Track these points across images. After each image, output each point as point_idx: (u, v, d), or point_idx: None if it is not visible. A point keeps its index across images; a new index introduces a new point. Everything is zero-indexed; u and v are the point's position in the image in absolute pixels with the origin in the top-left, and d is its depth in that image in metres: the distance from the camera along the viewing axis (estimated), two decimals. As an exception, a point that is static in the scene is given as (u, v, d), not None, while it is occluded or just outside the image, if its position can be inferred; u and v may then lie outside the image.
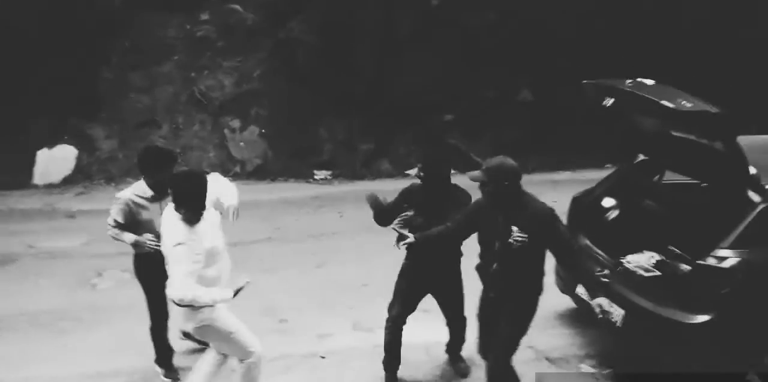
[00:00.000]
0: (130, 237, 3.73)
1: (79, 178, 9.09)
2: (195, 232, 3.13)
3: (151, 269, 3.66)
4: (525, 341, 4.51)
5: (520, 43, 10.08)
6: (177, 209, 3.13)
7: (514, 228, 3.14)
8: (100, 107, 9.70)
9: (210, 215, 3.29)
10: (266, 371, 4.12)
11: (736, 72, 9.27)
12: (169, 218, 3.17)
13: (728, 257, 3.32)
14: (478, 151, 9.97)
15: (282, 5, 10.40)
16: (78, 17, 9.40)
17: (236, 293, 3.24)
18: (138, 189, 3.74)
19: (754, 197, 3.41)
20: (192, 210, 3.11)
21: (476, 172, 3.19)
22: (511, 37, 10.04)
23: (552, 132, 9.95)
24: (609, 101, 3.59)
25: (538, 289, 3.35)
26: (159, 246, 3.33)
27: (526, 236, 3.12)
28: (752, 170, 3.43)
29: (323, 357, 4.27)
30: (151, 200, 3.72)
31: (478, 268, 3.53)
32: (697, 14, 10.50)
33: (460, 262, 3.79)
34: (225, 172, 9.52)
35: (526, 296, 3.34)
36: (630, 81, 3.58)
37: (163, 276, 3.67)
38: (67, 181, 9.00)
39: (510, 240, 3.14)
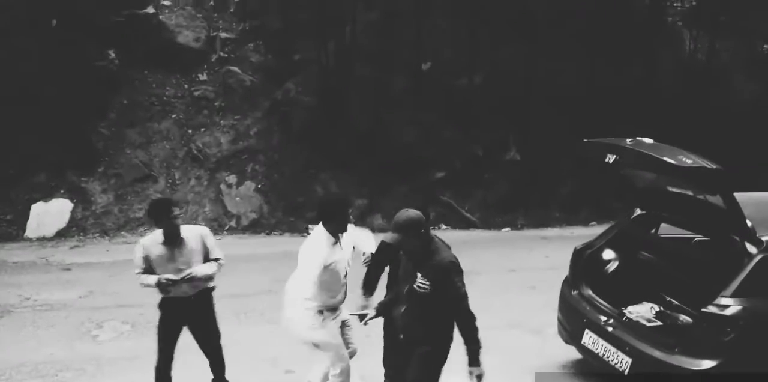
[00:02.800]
0: (152, 279, 3.95)
1: (74, 231, 9.08)
2: (335, 248, 3.68)
3: (174, 313, 4.02)
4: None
5: (507, 106, 10.63)
6: (324, 224, 3.71)
7: (419, 274, 3.26)
8: (97, 162, 9.84)
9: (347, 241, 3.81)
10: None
11: (709, 134, 9.83)
12: (315, 234, 3.75)
13: (730, 305, 3.50)
14: (470, 208, 10.27)
15: (279, 67, 10.89)
16: (77, 73, 9.71)
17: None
18: (153, 236, 4.05)
19: (751, 248, 3.64)
20: (336, 224, 3.68)
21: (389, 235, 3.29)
22: (498, 100, 10.59)
23: (539, 191, 10.33)
24: (612, 158, 3.86)
25: (448, 336, 3.35)
26: (173, 281, 3.88)
27: (428, 284, 3.22)
28: (749, 224, 3.68)
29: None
30: (164, 244, 3.99)
31: (379, 305, 3.66)
32: (672, 83, 11.29)
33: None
34: (220, 227, 9.63)
35: (435, 342, 3.34)
36: (630, 139, 3.88)
37: (183, 321, 4.08)
38: (61, 235, 8.98)
39: (414, 285, 3.28)
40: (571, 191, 10.41)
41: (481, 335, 3.27)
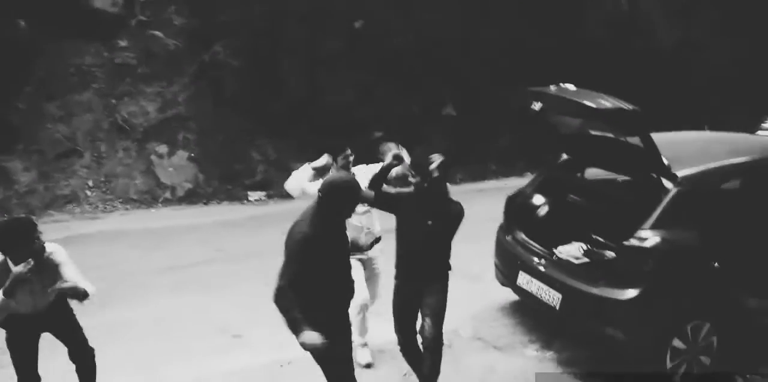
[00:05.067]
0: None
1: (-3, 212, 8.63)
2: None
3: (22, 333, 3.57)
4: (472, 332, 4.81)
5: (440, 64, 10.63)
6: None
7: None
8: (16, 139, 9.29)
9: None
10: (229, 381, 4.16)
11: (633, 79, 10.17)
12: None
13: (649, 237, 3.71)
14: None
15: (204, 30, 10.43)
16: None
17: None
18: None
19: (667, 183, 3.84)
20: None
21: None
22: (432, 59, 10.57)
23: (475, 145, 10.49)
24: (537, 105, 3.95)
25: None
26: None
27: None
28: (665, 161, 3.87)
29: (282, 366, 4.32)
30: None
31: None
32: (597, 34, 11.55)
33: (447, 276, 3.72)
34: (154, 199, 9.36)
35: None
36: (554, 86, 3.97)
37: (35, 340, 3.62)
38: (-17, 217, 8.53)
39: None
40: (507, 144, 10.63)
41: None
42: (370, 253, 4.20)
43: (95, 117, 9.81)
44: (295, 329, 2.96)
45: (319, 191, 3.09)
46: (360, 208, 3.79)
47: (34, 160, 9.25)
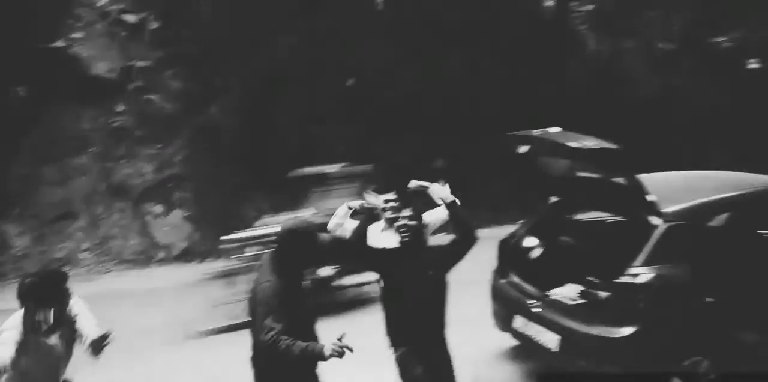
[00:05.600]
0: None
1: (-9, 277, 8.60)
2: None
3: None
4: (472, 379, 4.72)
5: (429, 115, 10.92)
6: None
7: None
8: (13, 204, 9.38)
9: None
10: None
11: (616, 124, 10.42)
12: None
13: (641, 274, 3.73)
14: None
15: (198, 92, 10.76)
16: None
17: None
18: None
19: (655, 220, 3.90)
20: None
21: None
22: (420, 109, 10.87)
23: (467, 195, 10.59)
24: (524, 148, 4.07)
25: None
26: None
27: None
28: (651, 198, 3.94)
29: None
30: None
31: None
32: (580, 84, 11.95)
33: None
34: (149, 259, 9.35)
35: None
36: (539, 130, 4.11)
37: None
38: (-22, 282, 8.49)
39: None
40: (498, 192, 10.77)
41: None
42: None
43: (91, 180, 9.96)
44: (312, 352, 2.84)
45: (276, 236, 3.02)
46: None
47: (30, 225, 9.31)
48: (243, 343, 4.87)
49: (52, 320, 3.12)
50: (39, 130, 10.06)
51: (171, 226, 9.65)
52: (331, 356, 2.82)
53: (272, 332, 2.86)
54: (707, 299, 3.85)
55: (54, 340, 3.23)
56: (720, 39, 11.96)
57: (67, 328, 3.28)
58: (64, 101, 10.31)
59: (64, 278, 3.24)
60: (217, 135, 10.35)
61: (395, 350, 3.36)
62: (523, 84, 11.32)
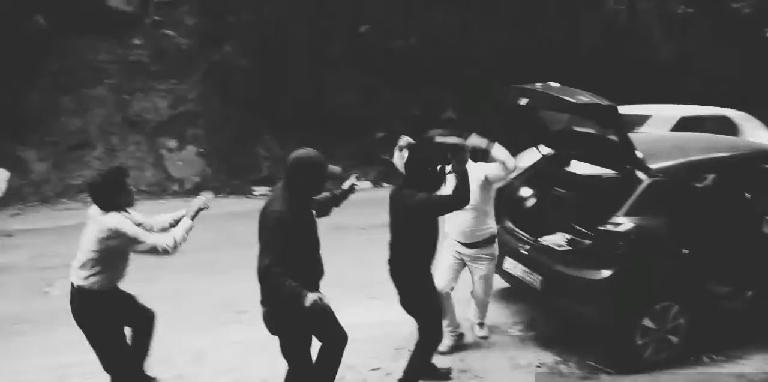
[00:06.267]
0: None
1: (13, 200, 8.99)
2: None
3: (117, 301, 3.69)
4: (462, 315, 5.15)
5: (441, 67, 11.02)
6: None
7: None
8: (32, 130, 9.68)
9: None
10: (232, 353, 4.50)
11: (627, 86, 10.53)
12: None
13: (623, 223, 4.06)
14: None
15: (215, 30, 10.84)
16: (3, 39, 9.43)
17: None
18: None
19: (641, 175, 4.20)
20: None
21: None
22: (433, 60, 10.96)
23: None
24: (524, 101, 4.32)
25: None
26: None
27: None
28: (639, 155, 4.23)
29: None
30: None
31: None
32: (595, 42, 11.94)
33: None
34: (163, 191, 9.73)
35: None
36: (540, 84, 4.34)
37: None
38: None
39: None
40: (503, 143, 11.00)
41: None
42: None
43: (108, 111, 10.20)
44: (297, 296, 3.00)
45: (285, 166, 3.20)
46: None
47: (49, 151, 9.62)
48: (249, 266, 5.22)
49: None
50: (57, 59, 10.22)
51: (184, 161, 9.96)
52: (310, 308, 3.00)
53: (267, 261, 3.05)
54: (683, 251, 4.19)
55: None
56: (738, 4, 11.84)
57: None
58: (82, 32, 10.42)
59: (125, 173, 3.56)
60: (230, 74, 10.50)
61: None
62: (536, 38, 11.33)
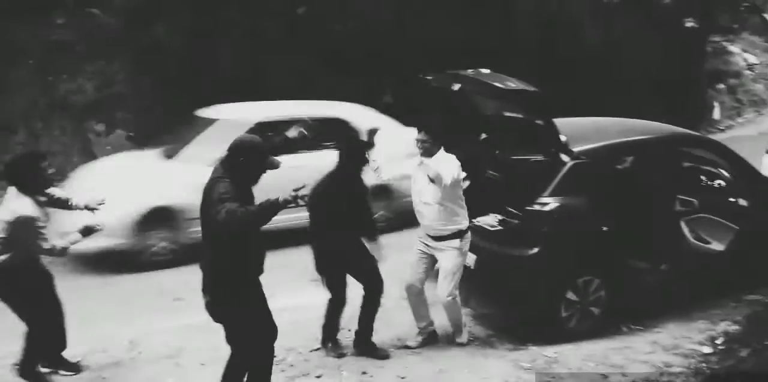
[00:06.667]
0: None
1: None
2: None
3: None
4: (400, 294, 5.28)
5: (379, 50, 11.06)
6: None
7: None
8: (-54, 114, 9.12)
9: None
10: (169, 339, 4.48)
11: (558, 74, 10.92)
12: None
13: (548, 203, 4.30)
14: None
15: (144, 10, 10.44)
16: None
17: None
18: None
19: (565, 158, 4.44)
20: None
21: None
22: (371, 45, 10.98)
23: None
24: (456, 86, 4.46)
25: None
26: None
27: None
28: (563, 138, 4.46)
29: (222, 323, 4.66)
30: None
31: None
32: (526, 33, 12.27)
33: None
34: (93, 177, 9.40)
35: None
36: (471, 70, 4.49)
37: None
38: None
39: None
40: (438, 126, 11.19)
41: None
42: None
43: (31, 94, 9.71)
44: (269, 205, 2.88)
45: (228, 150, 3.18)
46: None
47: (-33, 136, 9.11)
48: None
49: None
50: (-30, 39, 9.62)
51: (113, 145, 9.63)
52: (286, 201, 2.90)
53: (224, 209, 2.89)
54: (603, 228, 4.47)
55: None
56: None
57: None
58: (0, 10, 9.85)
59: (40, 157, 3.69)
60: (162, 56, 10.18)
61: None
62: (469, 25, 11.53)
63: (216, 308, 3.30)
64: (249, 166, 3.15)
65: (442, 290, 4.27)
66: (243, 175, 3.15)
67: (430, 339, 4.51)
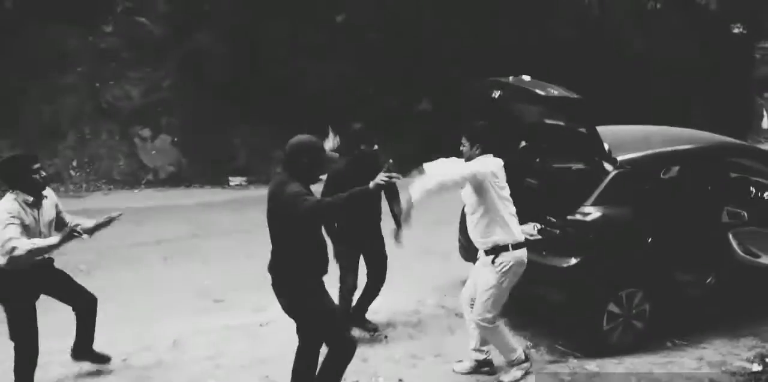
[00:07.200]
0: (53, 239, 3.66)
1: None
2: None
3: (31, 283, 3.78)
4: (437, 301, 5.27)
5: (417, 57, 11.08)
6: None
7: None
8: (1, 118, 9.49)
9: None
10: (210, 340, 4.56)
11: (596, 78, 10.76)
12: None
13: (591, 213, 4.23)
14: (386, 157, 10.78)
15: (188, 17, 10.71)
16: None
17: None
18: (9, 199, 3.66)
19: (608, 166, 4.36)
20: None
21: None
22: (409, 52, 11.01)
23: (449, 138, 10.94)
24: (497, 93, 4.44)
25: None
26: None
27: None
28: (606, 147, 4.39)
29: (262, 325, 4.74)
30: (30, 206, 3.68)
31: None
32: (569, 36, 12.12)
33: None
34: (137, 181, 9.66)
35: None
36: (512, 77, 4.46)
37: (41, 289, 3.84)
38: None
39: None
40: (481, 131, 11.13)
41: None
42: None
43: (79, 99, 10.06)
44: (359, 192, 3.04)
45: (285, 152, 3.24)
46: None
47: (19, 140, 9.46)
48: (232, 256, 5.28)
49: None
50: (25, 45, 10.01)
51: (158, 150, 9.90)
52: (378, 185, 3.04)
53: (308, 201, 3.04)
54: (647, 239, 4.37)
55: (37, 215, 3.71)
56: (705, 1, 12.15)
57: (47, 215, 3.78)
58: (51, 17, 10.22)
59: (31, 159, 3.68)
60: (204, 62, 10.40)
61: None
62: (509, 29, 11.45)
63: (294, 307, 3.34)
64: (311, 165, 3.21)
65: (473, 310, 3.96)
66: (306, 174, 3.22)
67: (481, 367, 4.09)
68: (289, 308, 3.35)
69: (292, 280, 3.31)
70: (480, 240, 3.90)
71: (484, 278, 3.86)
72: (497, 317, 3.92)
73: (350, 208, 3.11)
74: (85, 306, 4.02)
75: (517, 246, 3.84)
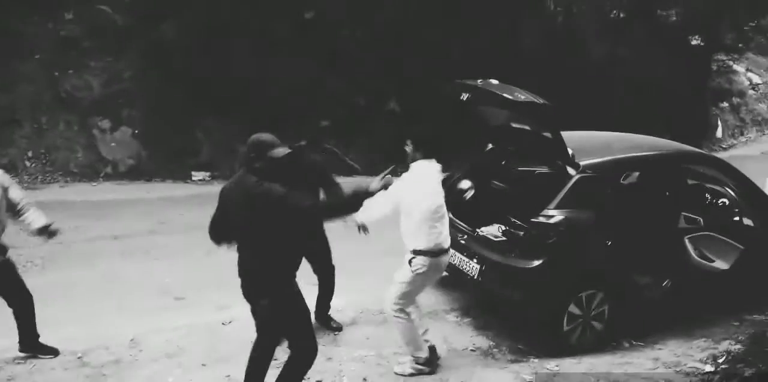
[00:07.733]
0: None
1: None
2: None
3: None
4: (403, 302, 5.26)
5: (386, 58, 11.09)
6: None
7: None
8: (-48, 105, 9.12)
9: None
10: (170, 338, 4.47)
11: (561, 86, 10.95)
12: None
13: (554, 215, 4.31)
14: (353, 157, 10.75)
15: (154, 7, 10.45)
16: None
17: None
18: None
19: (571, 171, 4.46)
20: None
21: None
22: (378, 52, 11.02)
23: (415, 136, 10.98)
24: (465, 96, 4.48)
25: None
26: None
27: None
28: (569, 152, 4.48)
29: (224, 324, 4.67)
30: None
31: None
32: (534, 44, 12.32)
33: None
34: (95, 173, 9.39)
35: None
36: (480, 80, 4.51)
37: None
38: None
39: None
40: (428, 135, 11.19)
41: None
42: None
43: (37, 88, 9.72)
44: (360, 190, 3.26)
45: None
46: None
47: (-30, 128, 9.11)
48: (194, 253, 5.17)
49: None
50: (-20, 30, 9.63)
51: (118, 142, 9.64)
52: (377, 188, 3.30)
53: (309, 200, 3.18)
54: (607, 242, 4.48)
55: None
56: (666, 12, 12.51)
57: None
58: (10, 1, 9.86)
59: None
60: (170, 54, 10.18)
61: None
62: (478, 35, 11.56)
63: (278, 308, 3.30)
64: (261, 159, 3.19)
65: (386, 299, 4.09)
66: (271, 173, 3.19)
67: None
68: (271, 310, 3.28)
69: (278, 282, 3.28)
70: (405, 241, 4.01)
71: (401, 272, 4.03)
72: (410, 313, 4.08)
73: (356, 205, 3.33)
74: (19, 304, 3.96)
75: (435, 253, 3.92)
